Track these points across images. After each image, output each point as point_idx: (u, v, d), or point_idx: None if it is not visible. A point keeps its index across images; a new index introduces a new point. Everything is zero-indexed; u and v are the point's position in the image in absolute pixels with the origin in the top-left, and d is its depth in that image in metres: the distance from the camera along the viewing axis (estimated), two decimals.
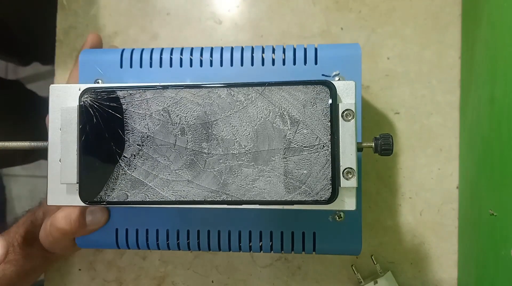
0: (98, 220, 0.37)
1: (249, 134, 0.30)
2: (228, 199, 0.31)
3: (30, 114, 0.79)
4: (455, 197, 0.45)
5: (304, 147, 0.30)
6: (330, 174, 0.30)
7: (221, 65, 0.37)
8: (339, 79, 0.35)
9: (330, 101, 0.30)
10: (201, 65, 0.38)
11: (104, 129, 0.32)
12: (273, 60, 0.37)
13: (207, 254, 0.46)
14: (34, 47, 0.79)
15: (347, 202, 0.31)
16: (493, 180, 0.36)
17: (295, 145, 0.30)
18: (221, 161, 0.31)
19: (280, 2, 0.48)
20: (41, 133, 0.72)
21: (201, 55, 0.38)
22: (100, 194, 0.31)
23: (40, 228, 0.39)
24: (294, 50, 0.37)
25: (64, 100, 0.33)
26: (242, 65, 0.37)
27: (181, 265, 0.46)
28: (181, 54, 0.38)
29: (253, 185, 0.30)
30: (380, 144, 0.32)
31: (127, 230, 0.38)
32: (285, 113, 0.30)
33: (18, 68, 1.16)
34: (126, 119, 0.31)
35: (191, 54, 0.38)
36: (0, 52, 0.77)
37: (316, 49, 0.37)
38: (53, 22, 0.49)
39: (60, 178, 0.32)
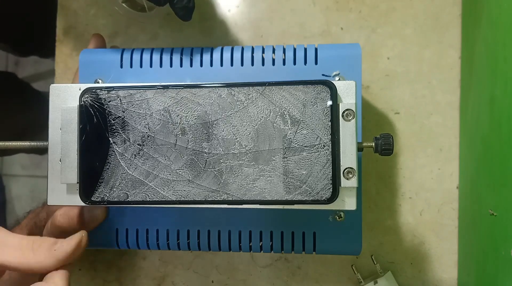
0: (97, 217, 0.37)
1: (249, 133, 0.30)
2: (229, 199, 0.31)
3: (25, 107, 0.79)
4: (455, 197, 0.45)
5: (305, 146, 0.30)
6: (331, 173, 0.30)
7: (221, 65, 0.37)
8: (339, 79, 0.35)
9: (331, 101, 0.30)
10: (201, 65, 0.38)
11: (104, 129, 0.32)
12: (273, 60, 0.37)
13: (207, 254, 0.46)
14: (33, 39, 0.79)
15: (348, 202, 0.31)
16: (493, 180, 0.36)
17: (296, 145, 0.30)
18: (221, 161, 0.31)
19: (280, 2, 0.48)
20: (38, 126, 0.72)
21: (201, 55, 0.38)
22: (101, 194, 0.31)
23: (44, 229, 0.39)
24: (294, 50, 0.37)
25: (64, 100, 0.33)
26: (242, 65, 0.37)
27: (181, 265, 0.46)
28: (181, 54, 0.38)
29: (254, 185, 0.30)
30: (381, 144, 0.32)
31: (127, 230, 0.38)
32: (285, 113, 0.30)
33: (18, 66, 1.16)
34: (126, 119, 0.31)
35: (191, 54, 0.38)
36: None
37: (316, 49, 0.37)
38: (53, 19, 0.49)
39: (60, 178, 0.32)
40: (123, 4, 0.43)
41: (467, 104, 0.43)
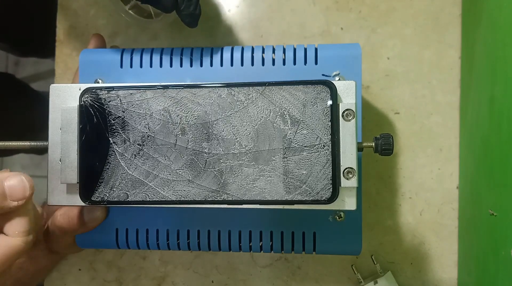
0: (97, 217, 0.37)
1: (249, 133, 0.30)
2: (229, 199, 0.31)
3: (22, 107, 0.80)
4: (455, 197, 0.45)
5: (305, 146, 0.30)
6: (331, 173, 0.30)
7: (221, 65, 0.37)
8: (339, 79, 0.35)
9: (331, 101, 0.30)
10: (201, 65, 0.38)
11: (104, 129, 0.32)
12: (273, 60, 0.37)
13: (207, 254, 0.46)
14: (33, 39, 0.80)
15: (348, 202, 0.31)
16: (493, 180, 0.36)
17: (296, 145, 0.30)
18: (221, 161, 0.31)
19: (280, 2, 0.48)
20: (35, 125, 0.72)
21: (201, 55, 0.38)
22: (101, 194, 0.31)
23: (44, 229, 0.39)
24: (294, 50, 0.37)
25: (64, 100, 0.33)
26: (242, 65, 0.37)
27: (181, 265, 0.46)
28: (181, 54, 0.38)
29: (254, 185, 0.30)
30: (381, 144, 0.32)
31: (127, 230, 0.38)
32: (285, 113, 0.30)
33: (18, 66, 1.16)
34: (126, 119, 0.31)
35: (191, 54, 0.38)
36: None
37: (316, 49, 0.37)
38: (53, 19, 0.49)
39: (60, 178, 0.32)
40: (130, 11, 0.43)
41: (467, 104, 0.43)
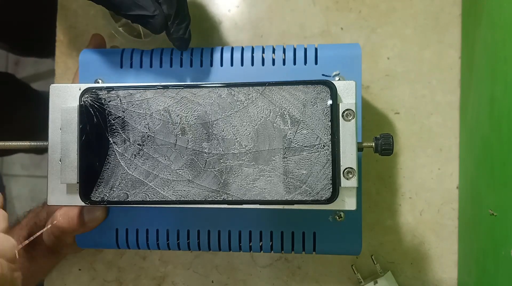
0: (97, 217, 0.37)
1: (249, 133, 0.30)
2: (229, 199, 0.31)
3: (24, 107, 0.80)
4: (455, 197, 0.45)
5: (305, 146, 0.30)
6: (331, 174, 0.30)
7: (221, 65, 0.37)
8: (339, 79, 0.35)
9: (331, 101, 0.30)
10: (201, 65, 0.38)
11: (104, 129, 0.32)
12: (273, 60, 0.37)
13: (207, 254, 0.46)
14: (33, 39, 0.80)
15: (348, 202, 0.31)
16: (493, 180, 0.36)
17: (296, 145, 0.30)
18: (221, 161, 0.31)
19: (280, 2, 0.48)
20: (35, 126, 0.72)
21: (201, 55, 0.38)
22: (101, 194, 0.31)
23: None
24: (294, 50, 0.37)
25: (64, 100, 0.33)
26: (242, 65, 0.37)
27: (181, 265, 0.46)
28: (181, 54, 0.38)
29: (254, 185, 0.30)
30: (381, 144, 0.32)
31: (127, 230, 0.38)
32: (285, 113, 0.30)
33: (18, 66, 1.16)
34: (126, 119, 0.31)
35: (191, 54, 0.38)
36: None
37: (316, 49, 0.37)
38: (53, 19, 0.49)
39: (60, 178, 0.32)
40: (120, 29, 0.43)
41: (467, 104, 0.43)
